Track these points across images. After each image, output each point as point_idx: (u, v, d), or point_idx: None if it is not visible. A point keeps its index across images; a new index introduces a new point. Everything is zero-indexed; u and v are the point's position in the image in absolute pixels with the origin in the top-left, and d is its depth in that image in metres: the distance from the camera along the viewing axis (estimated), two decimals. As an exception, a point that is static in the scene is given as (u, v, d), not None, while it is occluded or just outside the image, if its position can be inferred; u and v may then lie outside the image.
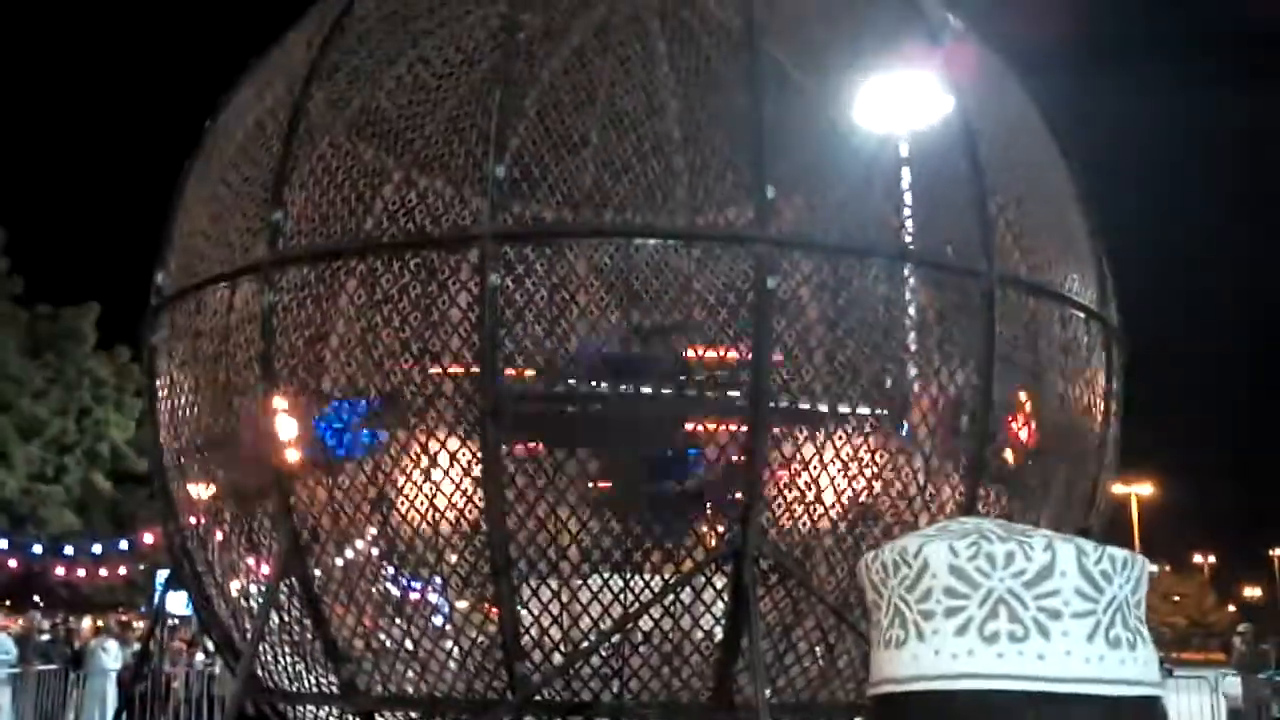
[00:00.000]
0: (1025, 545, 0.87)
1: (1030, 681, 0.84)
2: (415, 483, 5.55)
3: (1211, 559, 74.71)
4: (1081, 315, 6.22)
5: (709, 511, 5.91)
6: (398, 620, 5.70)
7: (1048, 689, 0.84)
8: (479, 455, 5.28)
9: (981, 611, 0.86)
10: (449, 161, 6.59)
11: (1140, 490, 55.42)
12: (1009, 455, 5.93)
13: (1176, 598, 68.06)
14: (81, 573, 35.39)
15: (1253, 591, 72.83)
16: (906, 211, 5.98)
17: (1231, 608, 66.67)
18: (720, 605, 5.31)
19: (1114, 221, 6.91)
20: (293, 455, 5.74)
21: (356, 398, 5.82)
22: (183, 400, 6.27)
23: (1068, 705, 0.84)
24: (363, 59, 6.24)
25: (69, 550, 34.97)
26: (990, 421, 5.58)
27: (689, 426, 5.99)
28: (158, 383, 6.51)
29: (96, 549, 34.99)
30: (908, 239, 5.94)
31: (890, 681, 0.90)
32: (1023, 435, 6.04)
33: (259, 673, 5.96)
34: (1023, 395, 6.07)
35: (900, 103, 6.09)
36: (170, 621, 15.94)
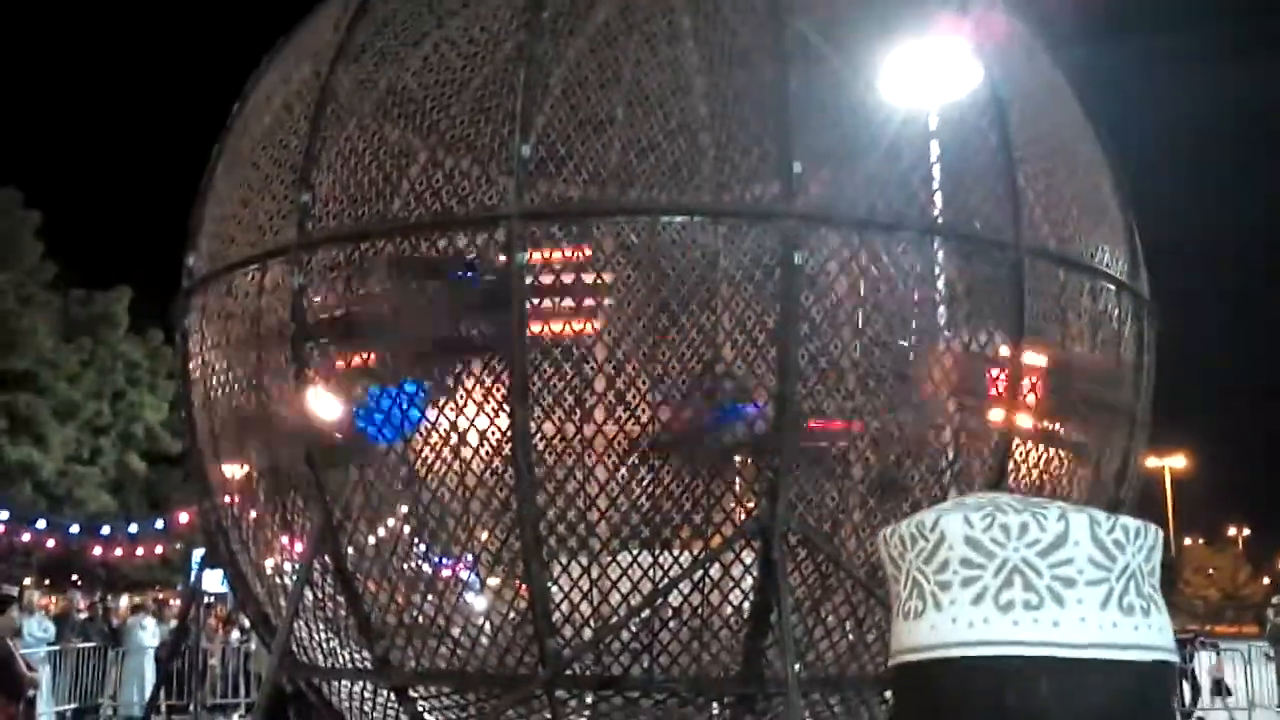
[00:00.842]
0: (1039, 516, 0.89)
1: (1045, 648, 0.86)
2: (445, 461, 5.59)
3: (1246, 531, 74.15)
4: (1112, 287, 6.18)
5: (737, 486, 5.92)
6: (430, 597, 5.76)
7: (1062, 655, 0.86)
8: (508, 433, 5.31)
9: (997, 581, 0.88)
10: (475, 141, 6.61)
11: (1174, 463, 54.99)
12: (1037, 427, 5.90)
13: (1210, 570, 67.57)
14: (118, 552, 35.85)
15: (1288, 563, 72.15)
16: (934, 184, 5.94)
17: (1266, 580, 66.12)
18: (749, 580, 5.33)
19: (1146, 192, 6.85)
20: (325, 435, 5.78)
21: (386, 379, 5.86)
22: (215, 382, 6.34)
23: (1082, 670, 0.86)
24: (389, 40, 6.25)
25: (105, 530, 35.43)
26: (1018, 395, 5.56)
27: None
28: (190, 365, 6.58)
29: (133, 529, 35.43)
30: (936, 212, 5.91)
31: (909, 651, 0.91)
32: (1053, 408, 6.01)
33: (294, 649, 6.04)
34: (1054, 368, 6.03)
35: (928, 74, 6.04)
36: (206, 599, 16.13)
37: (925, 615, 0.90)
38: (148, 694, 16.06)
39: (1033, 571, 0.88)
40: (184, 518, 33.52)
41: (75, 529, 34.71)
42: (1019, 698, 0.86)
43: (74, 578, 37.87)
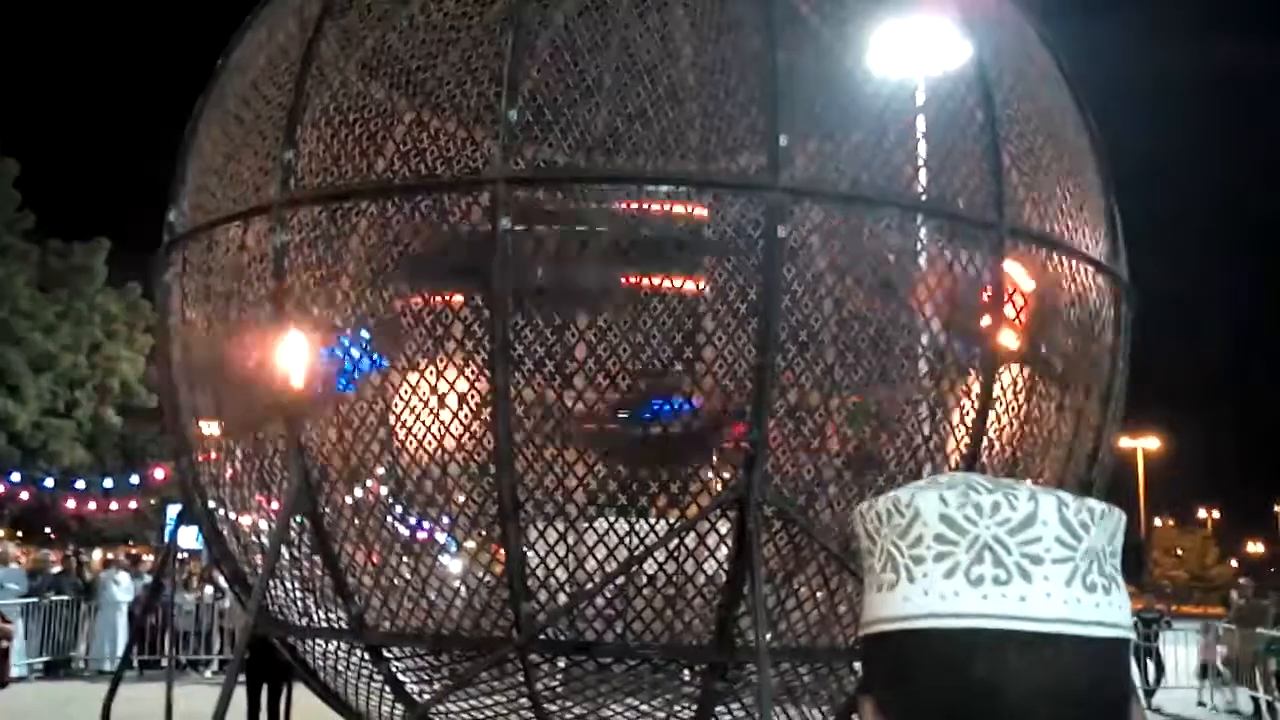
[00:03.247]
0: (1010, 496, 0.93)
1: (1012, 620, 0.91)
2: (424, 423, 5.60)
3: (1215, 514, 75.07)
4: (1092, 269, 6.22)
5: (714, 457, 5.96)
6: (406, 559, 5.78)
7: (1028, 628, 0.91)
8: (488, 397, 5.32)
9: (968, 556, 0.92)
10: (461, 103, 6.57)
11: (1147, 444, 55.56)
12: (1012, 405, 5.95)
13: (1179, 552, 68.45)
14: (92, 506, 35.84)
15: (1255, 547, 73.23)
16: (920, 161, 5.95)
17: (1234, 563, 67.03)
18: (724, 550, 5.38)
19: (1121, 172, 6.88)
20: (304, 394, 5.78)
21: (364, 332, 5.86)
22: (194, 338, 6.32)
23: (1046, 643, 0.90)
24: (375, -3, 6.20)
25: (80, 484, 35.38)
26: (995, 373, 5.60)
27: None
28: (169, 320, 6.56)
29: (107, 483, 35.39)
30: (920, 189, 5.93)
31: (882, 621, 0.96)
32: (1026, 386, 6.06)
33: (269, 607, 6.06)
34: (1028, 349, 6.07)
35: (916, 49, 6.04)
36: (180, 555, 16.12)
37: (898, 587, 0.94)
38: (120, 648, 16.10)
39: (1002, 548, 0.92)
40: (159, 473, 33.53)
41: (49, 482, 34.61)
42: (986, 667, 0.90)
43: (47, 531, 37.80)
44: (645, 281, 6.70)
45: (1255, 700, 16.51)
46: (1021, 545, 0.91)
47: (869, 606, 0.98)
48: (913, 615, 0.92)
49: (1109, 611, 0.93)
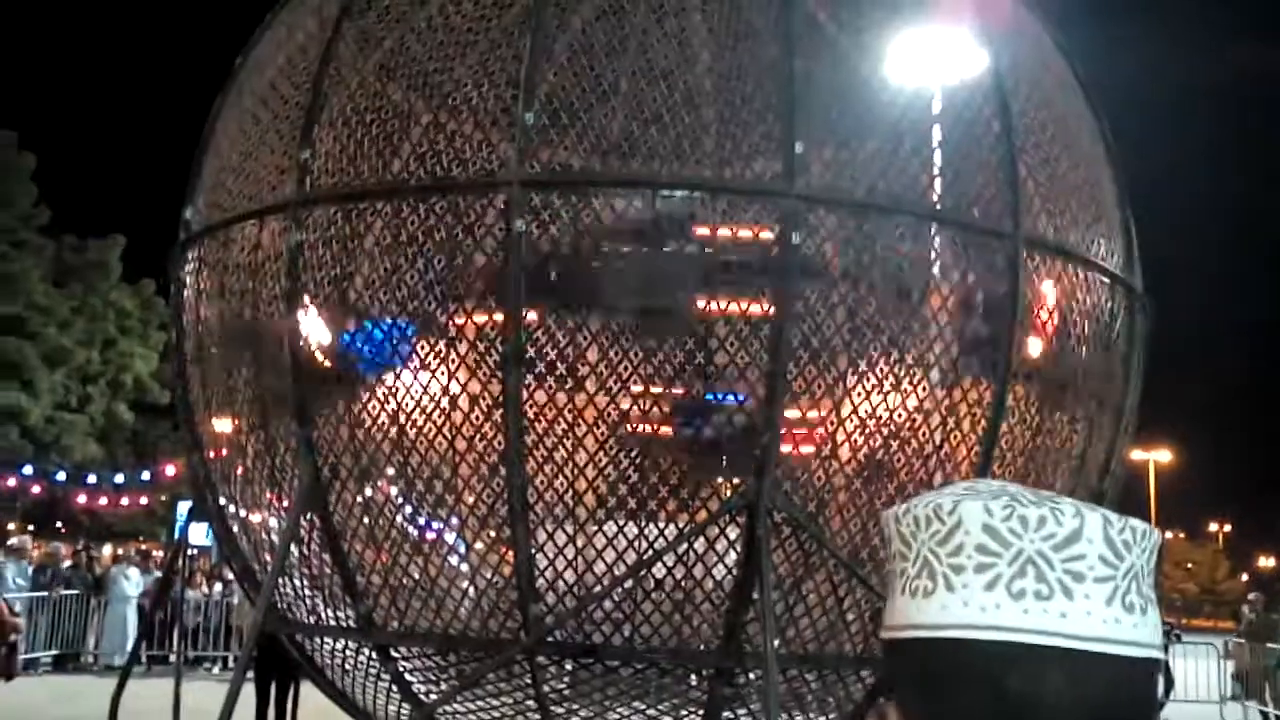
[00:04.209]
0: (1056, 511, 0.94)
1: (1052, 637, 0.91)
2: (435, 423, 5.61)
3: (1227, 527, 74.78)
4: (1107, 280, 6.20)
5: (725, 463, 5.95)
6: (415, 559, 5.79)
7: (1068, 645, 0.91)
8: (500, 399, 5.33)
9: (1011, 569, 0.93)
10: (478, 105, 6.58)
11: (1159, 456, 55.34)
12: (1025, 415, 5.94)
13: (1190, 565, 68.21)
14: (103, 501, 35.99)
15: (1267, 561, 72.86)
16: (935, 170, 5.95)
17: (1244, 577, 66.70)
18: (733, 556, 5.38)
19: (1137, 182, 6.86)
20: (316, 391, 5.80)
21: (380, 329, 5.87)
22: (208, 335, 6.34)
23: (1084, 661, 0.91)
24: (394, -2, 6.22)
25: (91, 479, 35.53)
26: (1008, 383, 5.59)
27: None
28: (184, 317, 6.58)
29: (119, 478, 35.56)
30: (935, 198, 5.92)
31: (916, 627, 0.96)
32: (1040, 396, 6.04)
33: (278, 604, 6.07)
34: (1042, 359, 6.06)
35: (933, 58, 6.03)
36: (190, 551, 16.16)
37: (936, 595, 0.94)
38: (129, 643, 16.14)
39: (1046, 564, 0.92)
40: (170, 469, 33.67)
41: (61, 476, 34.77)
42: (1023, 682, 0.90)
43: (58, 525, 37.97)
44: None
45: (1265, 715, 16.42)
46: (1065, 562, 0.91)
47: (898, 610, 0.97)
48: (950, 624, 0.92)
49: (1144, 632, 0.93)
